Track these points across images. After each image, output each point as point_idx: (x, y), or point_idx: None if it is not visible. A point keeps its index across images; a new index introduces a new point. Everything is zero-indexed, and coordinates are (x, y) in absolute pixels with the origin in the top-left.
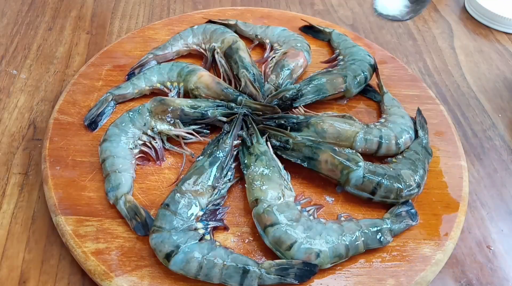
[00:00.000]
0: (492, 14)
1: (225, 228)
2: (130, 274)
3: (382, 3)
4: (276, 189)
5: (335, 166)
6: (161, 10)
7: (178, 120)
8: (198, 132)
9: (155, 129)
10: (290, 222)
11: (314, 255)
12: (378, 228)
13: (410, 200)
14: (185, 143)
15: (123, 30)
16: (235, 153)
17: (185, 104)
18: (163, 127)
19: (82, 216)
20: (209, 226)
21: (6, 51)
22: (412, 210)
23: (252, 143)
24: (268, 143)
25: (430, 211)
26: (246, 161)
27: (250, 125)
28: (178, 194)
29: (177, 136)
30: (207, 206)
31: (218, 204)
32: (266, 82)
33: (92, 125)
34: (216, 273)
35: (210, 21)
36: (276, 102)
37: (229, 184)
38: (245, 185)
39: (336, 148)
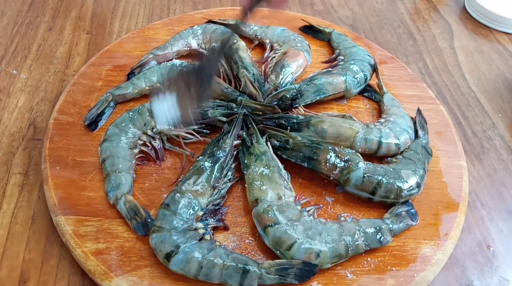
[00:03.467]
0: (492, 14)
1: (225, 228)
2: (130, 274)
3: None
4: (276, 189)
5: (335, 166)
6: (161, 10)
7: None
8: (198, 132)
9: (155, 129)
10: (290, 222)
11: (314, 255)
12: (378, 228)
13: (410, 200)
14: (185, 143)
15: (123, 30)
16: (235, 153)
17: None
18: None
19: (82, 216)
20: (209, 226)
21: (6, 51)
22: (412, 210)
23: (252, 143)
24: (268, 143)
25: (430, 211)
26: (246, 161)
27: (250, 125)
28: (178, 194)
29: (177, 136)
30: (207, 206)
31: (218, 204)
32: (266, 82)
33: (92, 125)
34: (216, 273)
35: (210, 21)
36: (276, 102)
37: (229, 184)
38: (245, 185)
39: (336, 148)
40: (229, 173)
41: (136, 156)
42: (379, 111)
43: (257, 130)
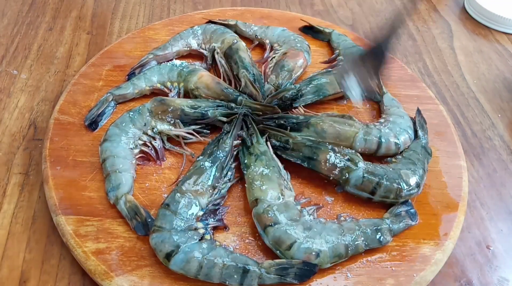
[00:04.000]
0: (492, 14)
1: (225, 228)
2: (130, 273)
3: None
4: (276, 189)
5: (335, 166)
6: (161, 10)
7: (178, 120)
8: (198, 132)
9: (156, 129)
10: (290, 222)
11: (314, 255)
12: (378, 228)
13: (409, 200)
14: (185, 143)
15: (123, 30)
16: (235, 153)
17: (185, 104)
18: (163, 127)
19: (82, 216)
20: (209, 226)
21: (7, 51)
22: (412, 210)
23: (252, 143)
24: (268, 143)
25: (430, 211)
26: (246, 161)
27: (250, 125)
28: (178, 194)
29: (177, 136)
30: (207, 206)
31: (218, 204)
32: (266, 82)
33: (92, 125)
34: (216, 272)
35: (210, 22)
36: (276, 102)
37: (229, 184)
38: (245, 185)
39: (336, 148)
40: (229, 173)
41: (137, 156)
42: (379, 111)
43: (257, 130)
